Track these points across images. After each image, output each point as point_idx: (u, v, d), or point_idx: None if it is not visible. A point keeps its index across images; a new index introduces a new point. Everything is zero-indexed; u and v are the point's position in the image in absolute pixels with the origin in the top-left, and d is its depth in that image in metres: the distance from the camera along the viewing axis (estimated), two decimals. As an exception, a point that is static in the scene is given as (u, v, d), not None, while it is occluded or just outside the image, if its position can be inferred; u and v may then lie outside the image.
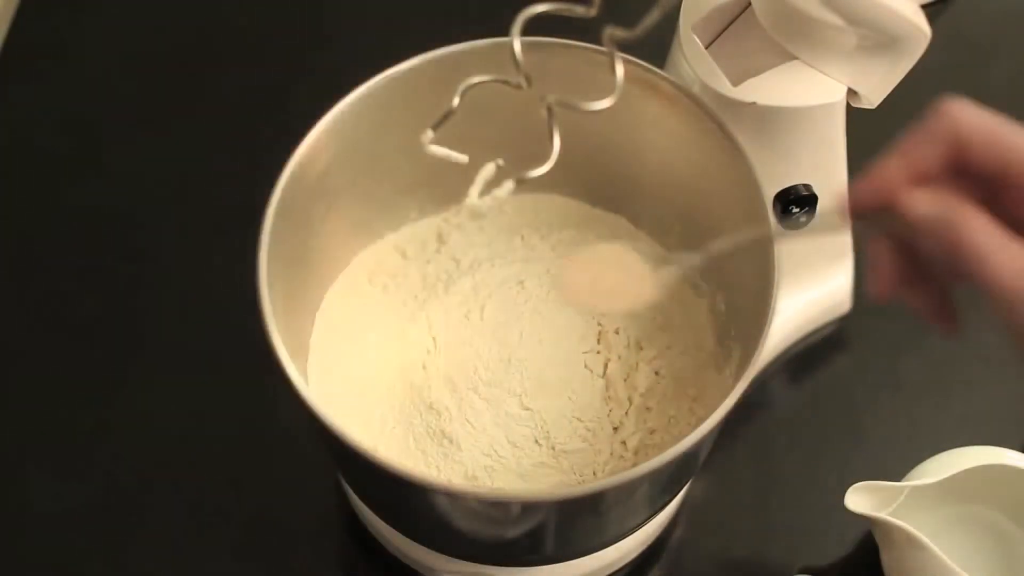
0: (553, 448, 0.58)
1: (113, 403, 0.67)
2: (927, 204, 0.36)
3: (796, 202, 0.60)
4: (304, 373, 0.57)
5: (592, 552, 0.56)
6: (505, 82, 0.47)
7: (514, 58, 0.45)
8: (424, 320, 0.61)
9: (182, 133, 0.78)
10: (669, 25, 0.63)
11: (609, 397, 0.59)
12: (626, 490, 0.50)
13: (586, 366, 0.60)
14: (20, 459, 0.66)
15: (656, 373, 0.60)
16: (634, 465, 0.56)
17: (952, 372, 0.70)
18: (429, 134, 0.48)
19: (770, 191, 0.59)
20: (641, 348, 0.61)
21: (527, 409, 0.58)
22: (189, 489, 0.65)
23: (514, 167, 0.47)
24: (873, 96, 0.54)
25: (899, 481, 0.59)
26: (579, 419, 0.58)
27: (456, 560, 0.56)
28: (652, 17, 0.42)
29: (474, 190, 0.49)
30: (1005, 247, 0.34)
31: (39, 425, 0.67)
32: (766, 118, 0.57)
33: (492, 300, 0.62)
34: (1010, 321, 0.34)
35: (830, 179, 0.62)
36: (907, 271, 0.39)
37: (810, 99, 0.57)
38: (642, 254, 0.50)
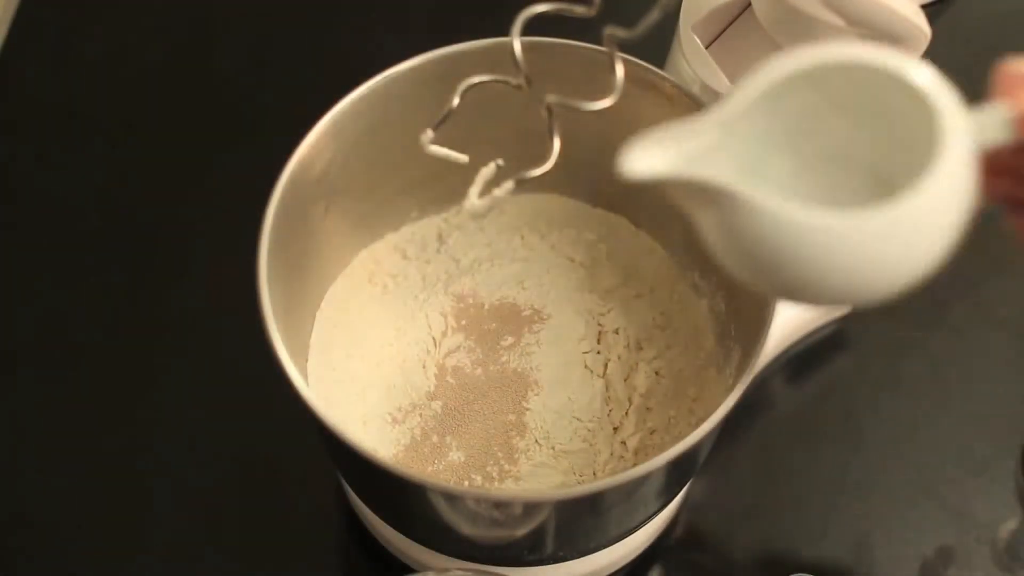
0: (553, 448, 0.58)
1: (111, 403, 0.67)
2: None
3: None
4: (304, 373, 0.57)
5: (592, 552, 0.56)
6: (505, 82, 0.47)
7: (514, 58, 0.45)
8: (424, 320, 0.61)
9: (182, 133, 0.78)
10: (669, 25, 0.63)
11: (609, 397, 0.59)
12: (626, 490, 0.50)
13: (586, 366, 0.60)
14: (18, 461, 0.66)
15: (656, 373, 0.60)
16: (634, 465, 0.56)
17: (952, 372, 0.70)
18: (429, 134, 0.48)
19: (770, 191, 0.59)
20: (641, 348, 0.61)
21: (527, 409, 0.59)
22: (188, 489, 0.65)
23: (514, 167, 0.47)
24: (873, 96, 0.54)
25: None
26: (579, 419, 0.58)
27: (456, 560, 0.56)
28: (652, 17, 0.42)
29: (474, 190, 0.49)
30: None
31: (37, 426, 0.67)
32: (766, 118, 0.57)
33: (492, 300, 0.62)
34: None
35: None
36: None
37: (810, 99, 0.57)
38: None
